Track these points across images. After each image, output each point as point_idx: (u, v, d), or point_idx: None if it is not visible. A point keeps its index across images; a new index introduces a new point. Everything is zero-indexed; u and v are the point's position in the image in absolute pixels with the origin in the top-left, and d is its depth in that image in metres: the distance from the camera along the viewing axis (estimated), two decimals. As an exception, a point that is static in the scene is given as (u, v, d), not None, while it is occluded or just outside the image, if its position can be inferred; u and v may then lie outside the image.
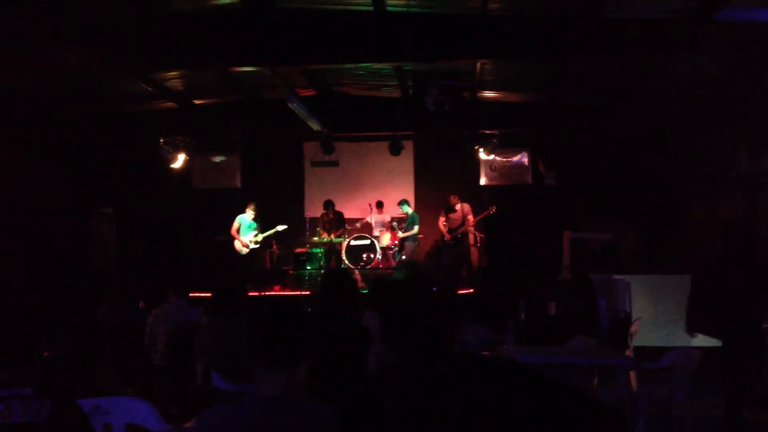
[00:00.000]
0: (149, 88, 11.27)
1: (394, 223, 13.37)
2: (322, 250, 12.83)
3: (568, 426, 1.90)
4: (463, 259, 12.87)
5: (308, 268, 12.42)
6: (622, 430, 1.94)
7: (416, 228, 12.96)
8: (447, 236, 12.74)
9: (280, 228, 12.69)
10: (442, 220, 12.82)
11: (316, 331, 3.69)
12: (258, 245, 12.67)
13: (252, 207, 12.59)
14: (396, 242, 13.20)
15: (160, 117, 12.86)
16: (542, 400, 1.90)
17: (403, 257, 12.93)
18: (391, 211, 13.65)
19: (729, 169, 10.45)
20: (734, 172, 10.32)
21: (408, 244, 13.06)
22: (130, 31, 8.58)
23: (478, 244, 13.24)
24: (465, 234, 12.78)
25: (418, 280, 4.20)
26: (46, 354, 4.23)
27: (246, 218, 12.61)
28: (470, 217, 12.67)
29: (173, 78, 11.22)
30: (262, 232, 12.64)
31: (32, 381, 2.71)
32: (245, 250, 12.60)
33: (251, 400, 2.29)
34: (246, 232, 12.58)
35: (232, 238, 12.68)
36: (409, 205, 13.29)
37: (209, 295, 6.64)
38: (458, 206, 12.68)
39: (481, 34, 8.50)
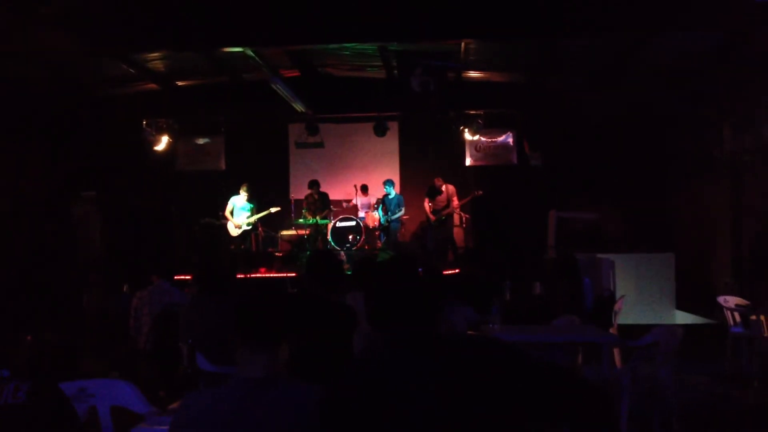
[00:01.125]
0: (131, 70, 11.17)
1: (376, 213, 13.29)
2: (308, 232, 12.86)
3: (554, 403, 1.91)
4: (448, 240, 12.90)
5: (295, 250, 12.42)
6: (606, 407, 1.95)
7: (403, 210, 12.96)
8: (432, 217, 12.76)
9: (273, 210, 12.68)
10: (427, 201, 12.83)
11: (299, 311, 3.68)
12: (250, 227, 12.67)
13: (245, 188, 12.52)
14: (380, 224, 13.17)
15: (142, 99, 12.77)
16: (528, 379, 1.90)
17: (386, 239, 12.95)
18: (377, 193, 13.61)
19: (713, 149, 10.50)
20: (718, 151, 10.37)
21: (394, 226, 13.06)
22: (111, 11, 8.47)
23: (464, 225, 13.27)
24: (449, 215, 12.80)
25: (403, 261, 4.21)
26: (29, 338, 4.20)
27: (239, 199, 12.57)
28: (455, 199, 12.68)
29: (155, 59, 11.12)
30: (257, 214, 12.65)
31: (10, 364, 2.68)
32: (237, 232, 12.60)
33: (235, 382, 2.29)
34: (239, 214, 12.56)
35: (218, 220, 12.70)
36: (393, 186, 13.24)
37: (190, 277, 6.63)
38: (443, 188, 12.69)
39: (467, 13, 8.46)
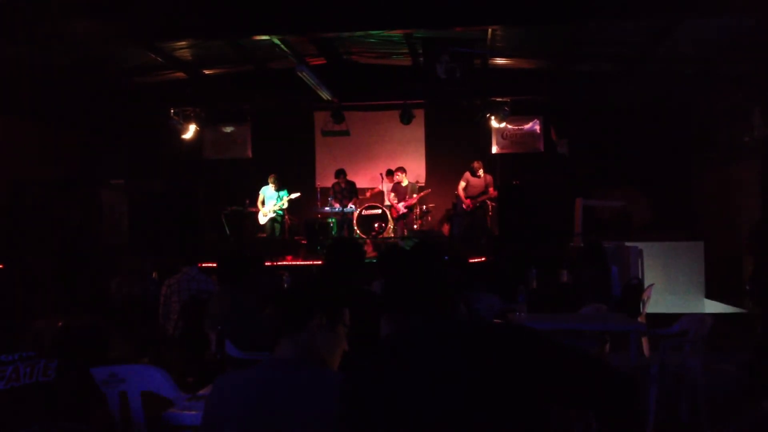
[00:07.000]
0: (158, 59, 11.23)
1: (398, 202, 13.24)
2: (334, 220, 12.91)
3: (578, 389, 1.90)
4: (478, 229, 12.84)
5: (320, 238, 12.49)
6: (631, 393, 1.94)
7: (415, 196, 12.97)
8: (466, 202, 12.69)
9: (294, 196, 12.89)
10: (462, 185, 12.75)
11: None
12: (274, 214, 12.89)
13: (272, 179, 12.90)
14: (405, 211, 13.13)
15: (169, 88, 12.86)
16: (553, 364, 1.89)
17: (415, 227, 12.94)
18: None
19: (743, 135, 10.34)
20: (748, 137, 10.22)
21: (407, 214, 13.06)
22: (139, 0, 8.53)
23: (490, 213, 13.21)
24: (485, 203, 12.75)
25: (427, 248, 4.18)
26: (60, 324, 4.27)
27: (268, 189, 12.96)
28: (491, 190, 12.63)
29: (182, 48, 11.17)
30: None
31: (36, 346, 2.72)
32: (264, 220, 12.98)
33: (262, 364, 2.34)
34: (268, 203, 13.00)
35: (245, 208, 13.05)
36: (406, 173, 13.19)
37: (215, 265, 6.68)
38: (480, 172, 12.65)
39: None
